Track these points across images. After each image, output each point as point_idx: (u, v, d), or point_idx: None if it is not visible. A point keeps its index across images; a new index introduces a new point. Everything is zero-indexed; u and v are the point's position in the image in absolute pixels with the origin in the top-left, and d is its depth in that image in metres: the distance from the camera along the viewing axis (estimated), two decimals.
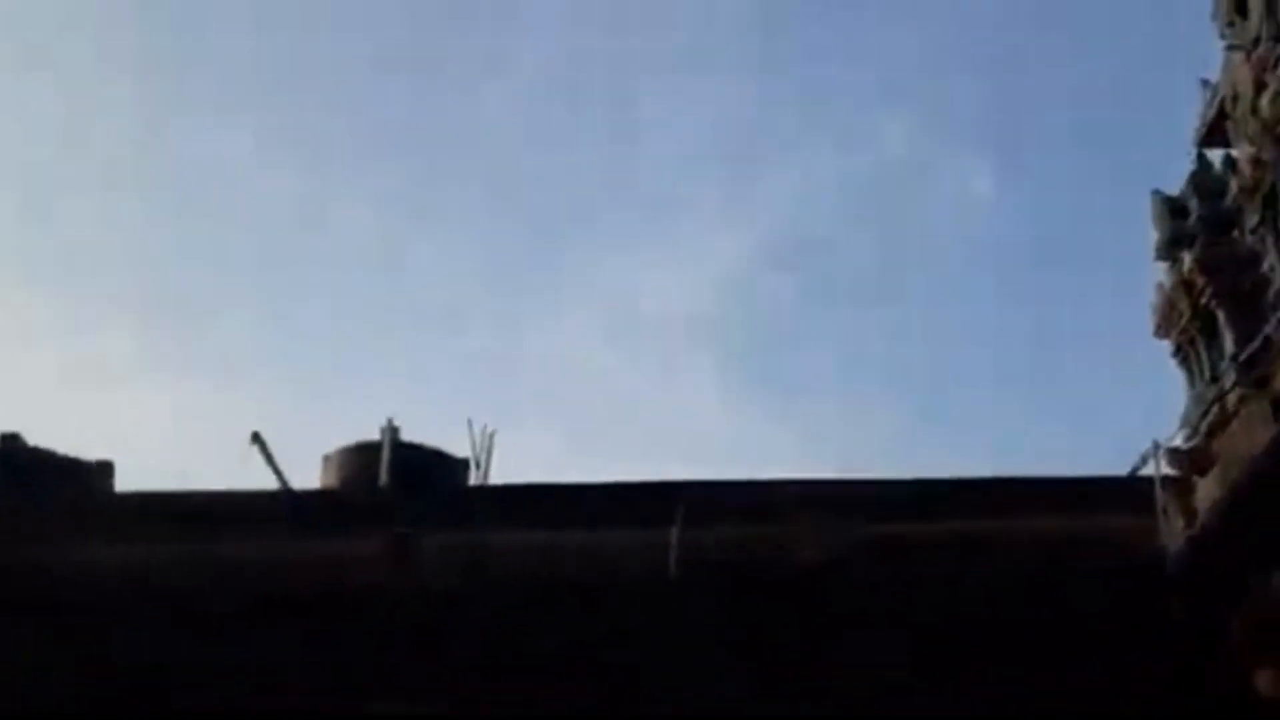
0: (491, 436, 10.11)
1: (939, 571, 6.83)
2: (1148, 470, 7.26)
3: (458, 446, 10.09)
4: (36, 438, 9.66)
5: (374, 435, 9.78)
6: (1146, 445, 7.25)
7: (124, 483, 9.66)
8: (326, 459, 9.78)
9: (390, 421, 9.79)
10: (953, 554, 6.88)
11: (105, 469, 9.62)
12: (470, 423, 10.09)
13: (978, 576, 6.84)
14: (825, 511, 6.94)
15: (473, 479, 9.93)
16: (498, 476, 10.03)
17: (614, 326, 26.11)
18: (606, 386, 24.98)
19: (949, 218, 25.02)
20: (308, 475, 9.43)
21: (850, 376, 26.24)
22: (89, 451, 9.57)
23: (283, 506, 7.68)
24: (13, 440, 9.61)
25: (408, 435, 9.85)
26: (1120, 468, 7.52)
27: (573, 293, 25.67)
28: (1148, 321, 7.83)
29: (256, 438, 7.71)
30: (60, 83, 24.36)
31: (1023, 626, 6.80)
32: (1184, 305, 7.46)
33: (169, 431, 21.62)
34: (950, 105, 25.24)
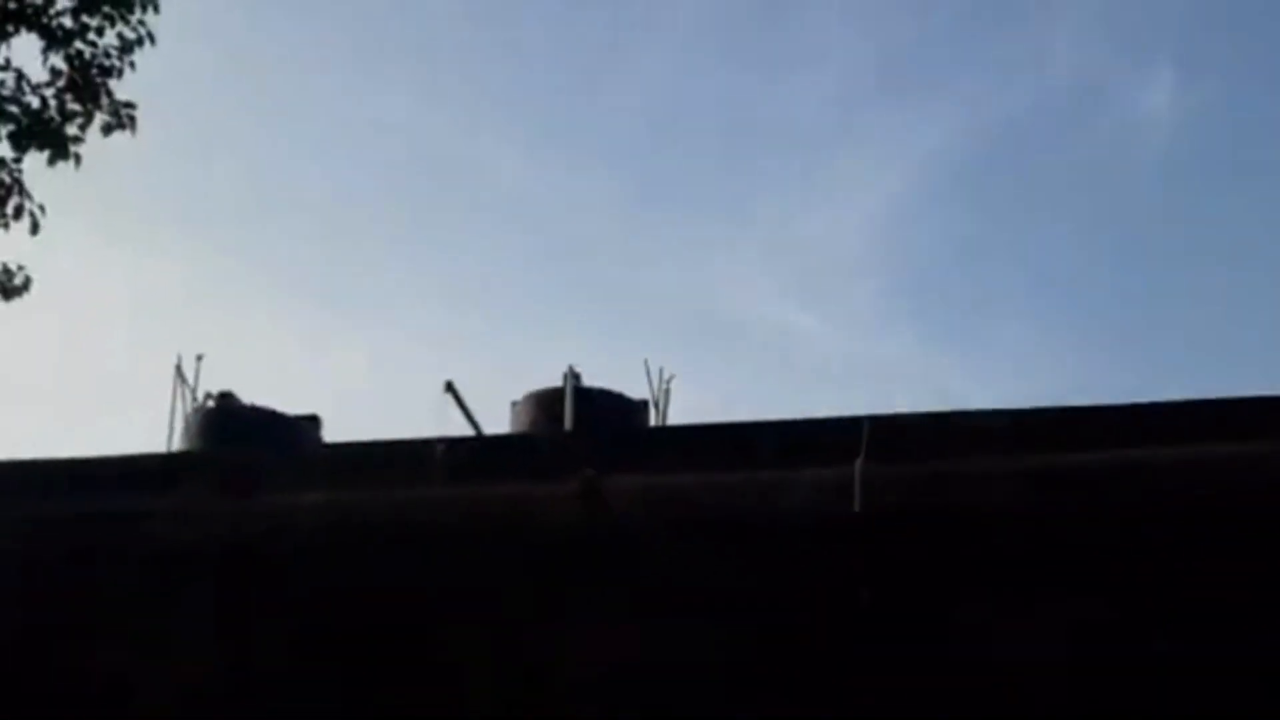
0: (669, 380, 10.26)
1: (1119, 500, 6.54)
2: None
3: (637, 390, 10.31)
4: (249, 395, 10.34)
5: (557, 382, 10.07)
6: None
7: (330, 434, 10.25)
8: (514, 405, 10.11)
9: (571, 368, 10.06)
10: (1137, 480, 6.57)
11: (313, 422, 10.20)
12: (648, 366, 10.28)
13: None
14: (1007, 443, 6.75)
15: (652, 420, 10.10)
16: (676, 417, 10.21)
17: (782, 263, 25.87)
18: (781, 325, 24.82)
19: (1122, 135, 23.74)
20: (497, 422, 9.80)
21: (1027, 302, 25.32)
22: (297, 407, 10.20)
23: (476, 451, 7.95)
24: (227, 398, 10.28)
25: (588, 381, 10.13)
26: None
27: (742, 231, 25.55)
28: None
29: (450, 387, 8.00)
30: None
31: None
32: None
33: (368, 385, 22.70)
34: (1122, 16, 23.87)
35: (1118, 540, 6.45)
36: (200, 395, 10.26)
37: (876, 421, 7.01)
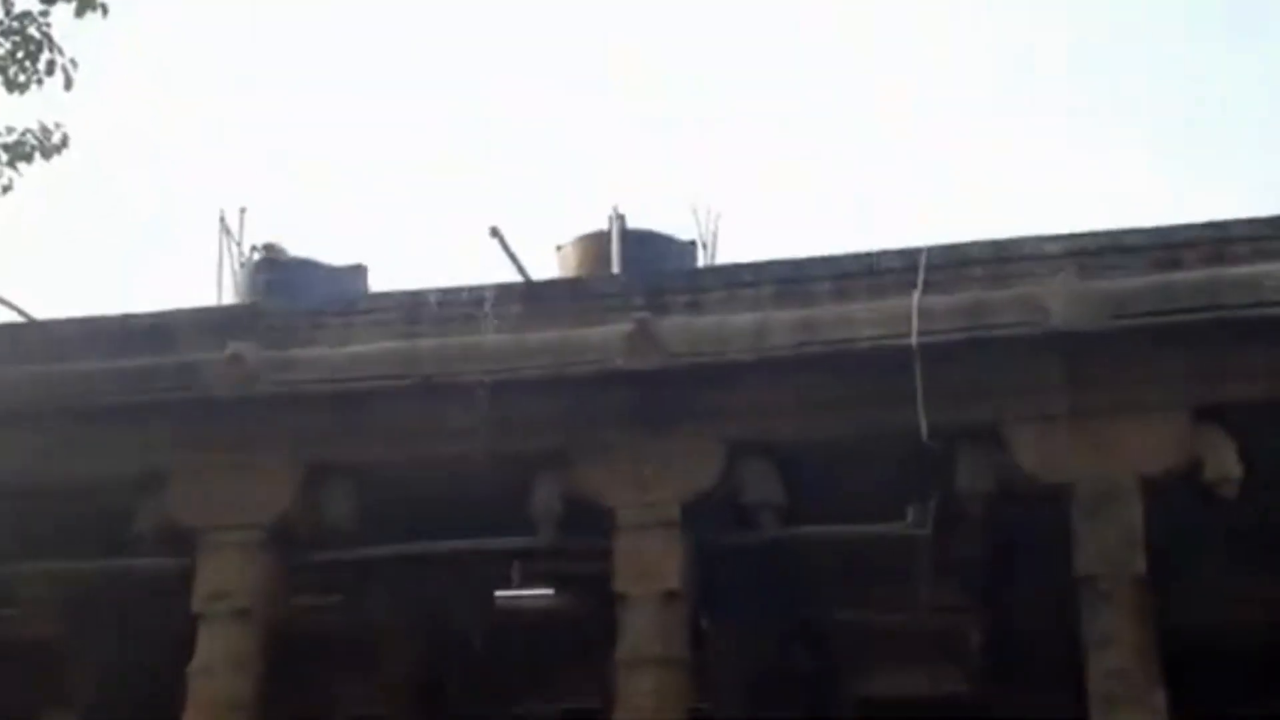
0: (717, 219, 10.10)
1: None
2: None
3: (684, 230, 10.17)
4: (294, 246, 10.33)
5: (602, 226, 9.95)
6: None
7: (376, 283, 10.26)
8: (560, 250, 10.03)
9: (616, 209, 9.92)
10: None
11: (358, 271, 10.20)
12: (694, 206, 10.11)
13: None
14: (1082, 268, 6.61)
15: (701, 260, 9.99)
16: (725, 256, 10.09)
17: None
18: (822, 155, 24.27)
19: None
20: (543, 267, 9.72)
21: None
22: (342, 256, 10.19)
23: (524, 297, 7.91)
24: (272, 249, 10.27)
25: (634, 223, 10.00)
26: None
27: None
28: None
29: (495, 232, 7.90)
30: None
31: None
32: None
33: (412, 233, 22.65)
34: None
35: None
36: (245, 248, 10.29)
37: (934, 251, 6.89)
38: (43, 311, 9.13)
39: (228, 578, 7.44)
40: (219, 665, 7.32)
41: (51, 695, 12.06)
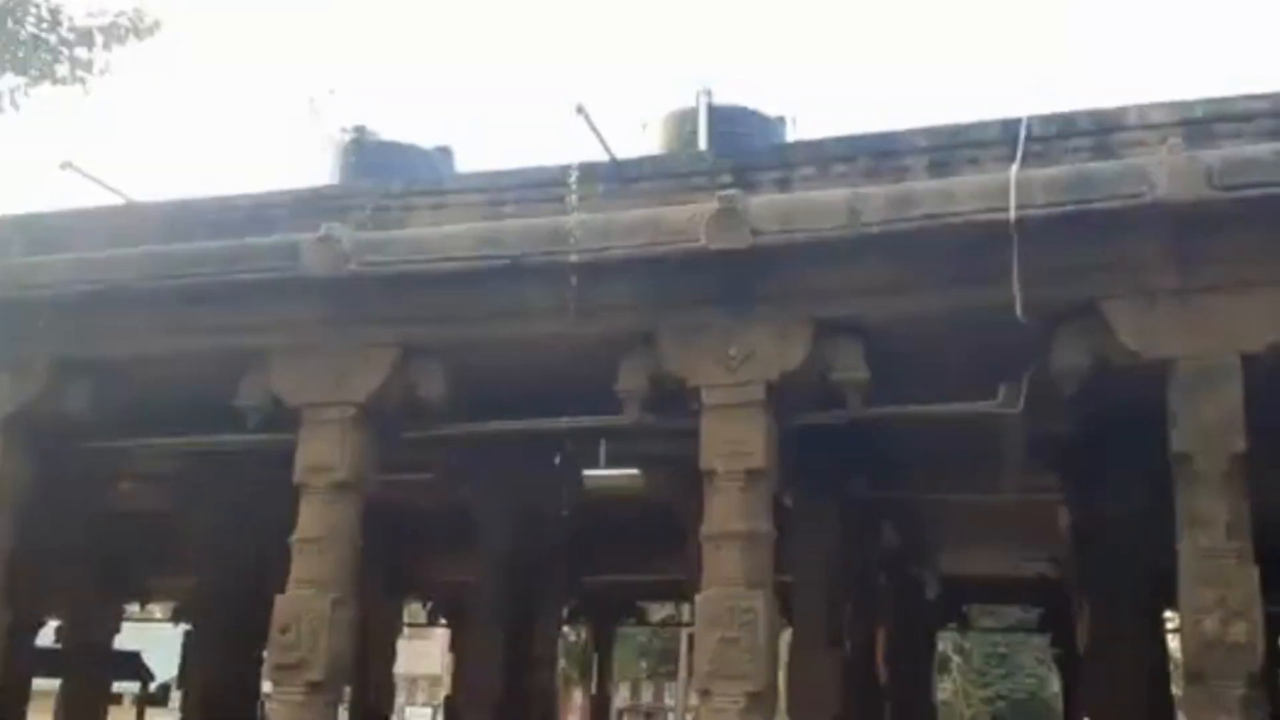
0: (806, 92, 9.86)
1: None
2: None
3: (772, 105, 9.97)
4: (382, 129, 10.38)
5: (689, 101, 9.79)
6: None
7: (463, 165, 10.29)
8: (646, 127, 9.91)
9: (704, 85, 9.74)
10: None
11: (446, 153, 10.23)
12: (781, 80, 9.87)
13: None
14: (1190, 138, 6.34)
15: (790, 135, 9.81)
16: (815, 131, 9.88)
17: None
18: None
19: None
20: (629, 145, 9.63)
21: None
22: (430, 138, 10.22)
23: (611, 175, 7.87)
24: (360, 131, 10.34)
25: (721, 98, 9.82)
26: None
27: None
28: None
29: (580, 110, 7.83)
30: None
31: None
32: None
33: (499, 113, 22.55)
34: None
35: None
36: (334, 131, 10.36)
37: (1034, 122, 6.66)
38: (140, 194, 9.36)
39: (326, 452, 7.69)
40: (319, 535, 7.60)
41: (165, 563, 12.74)
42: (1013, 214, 6.29)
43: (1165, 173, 6.17)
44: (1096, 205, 6.30)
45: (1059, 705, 22.84)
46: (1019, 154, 6.58)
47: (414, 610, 19.35)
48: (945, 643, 25.55)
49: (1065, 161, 6.61)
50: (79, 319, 8.17)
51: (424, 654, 27.10)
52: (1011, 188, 6.32)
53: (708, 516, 7.01)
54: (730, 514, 6.91)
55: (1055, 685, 27.37)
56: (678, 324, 7.24)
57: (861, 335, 7.05)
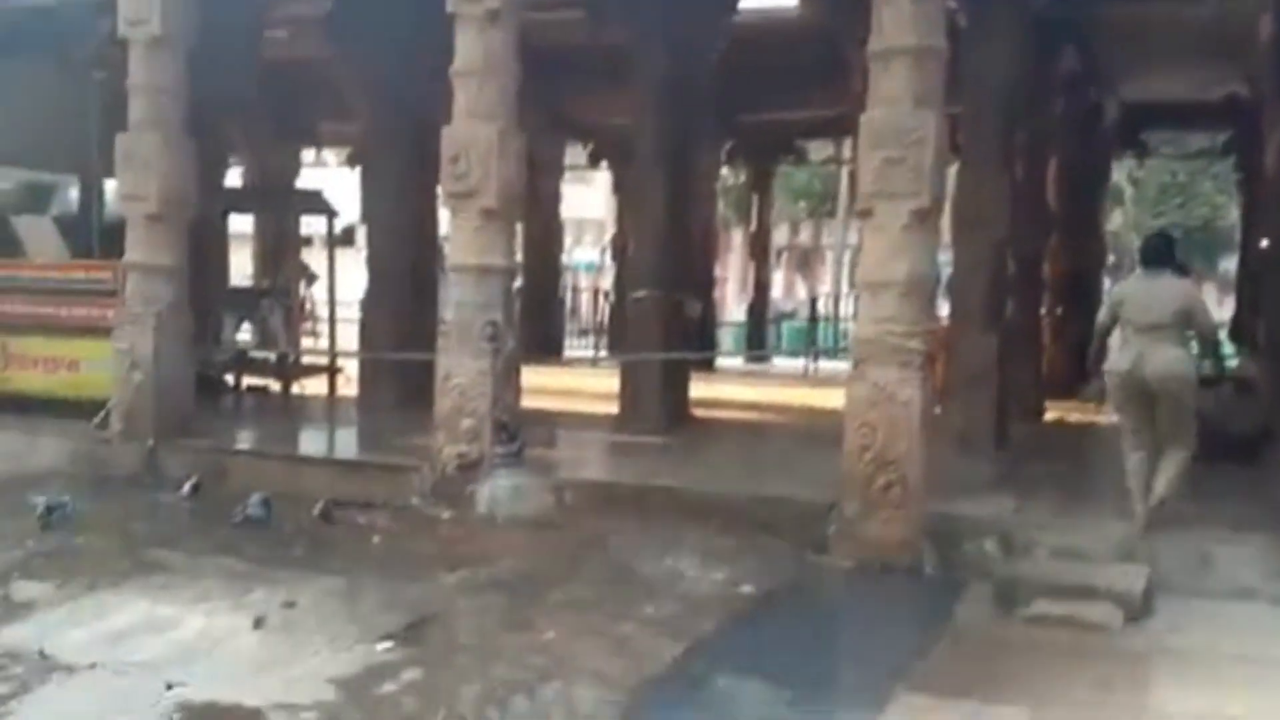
0: None
1: None
2: None
3: None
4: None
5: None
6: None
7: None
8: None
9: None
10: None
11: None
12: None
13: None
14: None
15: None
16: None
17: None
18: None
19: None
20: None
21: None
22: None
23: None
24: None
25: None
26: None
27: None
28: None
29: None
30: None
31: None
32: None
33: None
34: None
35: None
36: None
37: None
38: None
39: None
40: (476, 67, 7.55)
41: (334, 107, 13.05)
42: None
43: None
44: None
45: (1234, 236, 22.33)
46: None
47: (575, 154, 19.59)
48: (1119, 173, 24.70)
49: None
50: None
51: (589, 200, 27.87)
52: None
53: (876, 30, 6.60)
54: (902, 26, 6.49)
55: (1232, 214, 26.61)
56: None
57: None
